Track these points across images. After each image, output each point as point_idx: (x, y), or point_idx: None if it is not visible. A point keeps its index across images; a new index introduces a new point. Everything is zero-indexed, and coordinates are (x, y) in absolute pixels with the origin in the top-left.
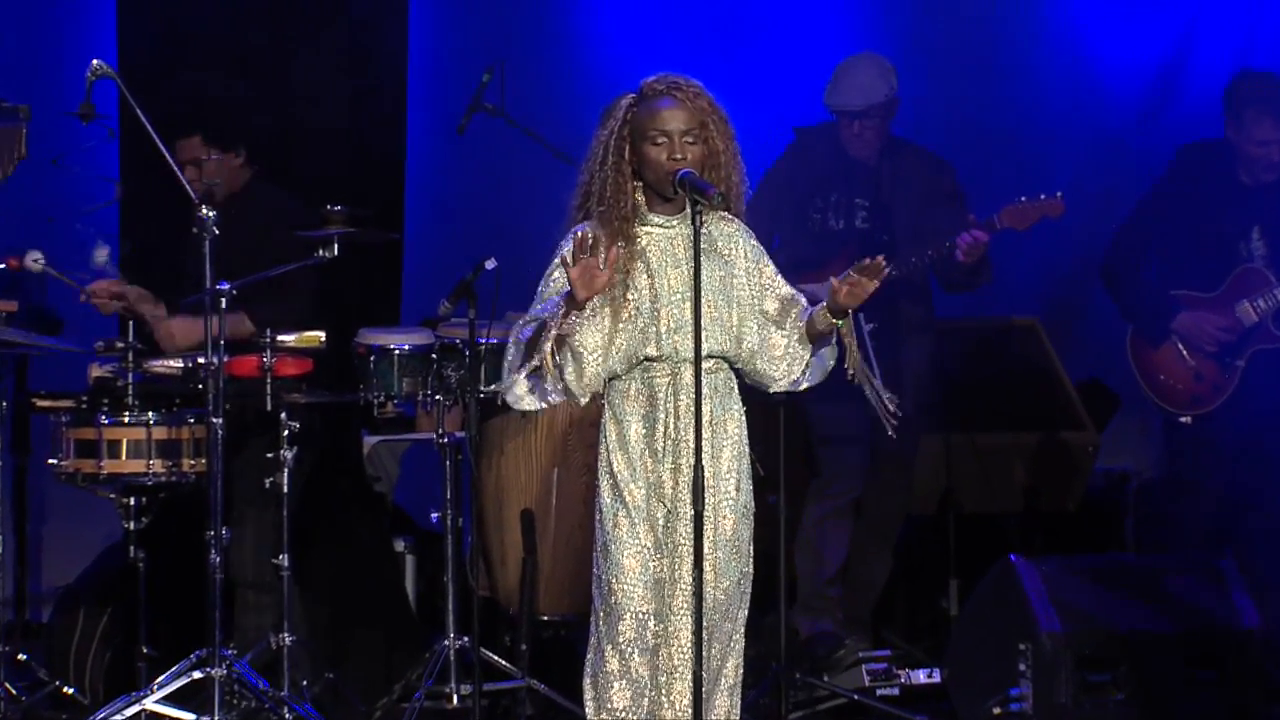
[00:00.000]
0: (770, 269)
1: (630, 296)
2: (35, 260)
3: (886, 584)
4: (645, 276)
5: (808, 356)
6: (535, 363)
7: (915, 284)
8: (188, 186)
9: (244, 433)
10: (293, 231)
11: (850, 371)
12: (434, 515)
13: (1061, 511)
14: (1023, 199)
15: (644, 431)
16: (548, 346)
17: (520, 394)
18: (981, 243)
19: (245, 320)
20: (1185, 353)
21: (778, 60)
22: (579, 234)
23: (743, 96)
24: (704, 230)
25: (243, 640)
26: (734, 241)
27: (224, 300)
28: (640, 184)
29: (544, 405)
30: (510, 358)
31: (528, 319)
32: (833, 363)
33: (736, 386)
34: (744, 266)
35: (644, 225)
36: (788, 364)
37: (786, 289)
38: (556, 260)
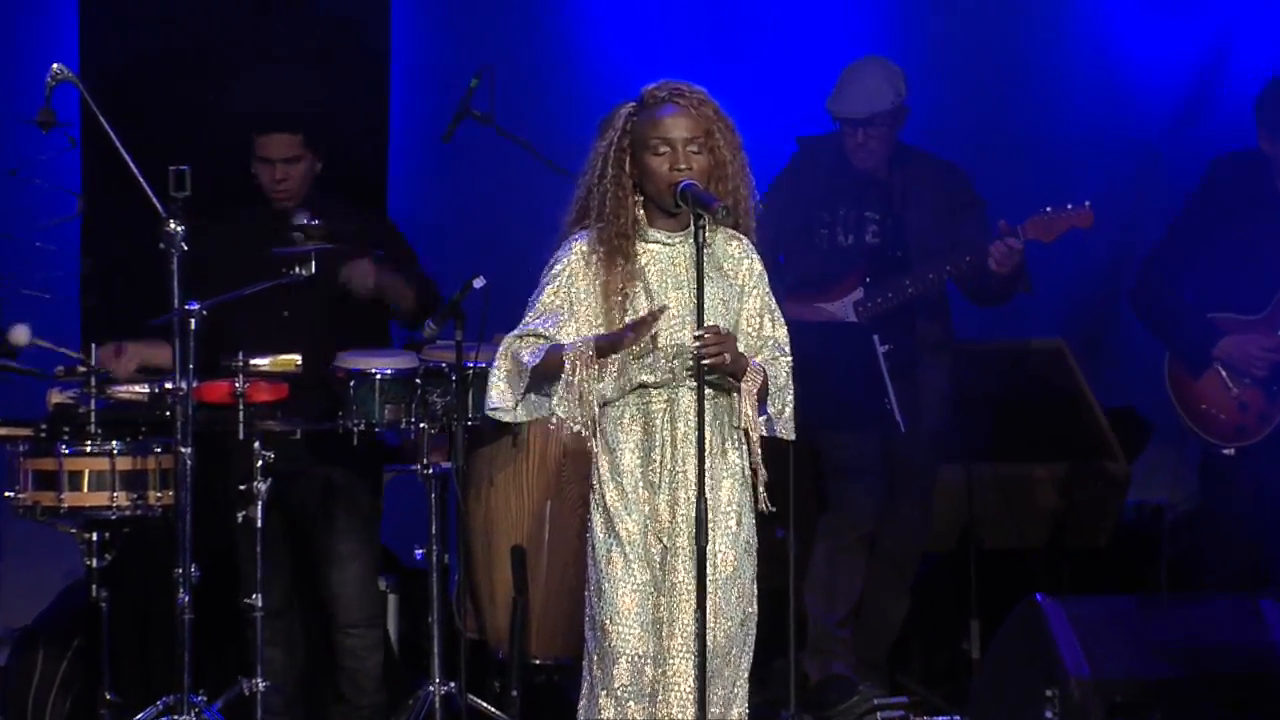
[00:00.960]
0: (754, 303)
1: (627, 319)
2: (20, 335)
3: (903, 625)
4: (644, 298)
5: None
6: (565, 392)
7: (932, 302)
8: (154, 198)
9: (338, 456)
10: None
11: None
12: (418, 552)
13: (1091, 547)
14: (1048, 209)
15: (639, 462)
16: (582, 372)
17: (508, 406)
18: (1016, 249)
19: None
20: (1229, 380)
21: (783, 64)
22: (577, 244)
23: (746, 103)
24: (708, 248)
25: (353, 688)
26: (740, 264)
27: (194, 321)
28: (641, 198)
29: (534, 418)
30: (506, 376)
31: (527, 336)
32: (782, 413)
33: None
34: (747, 290)
35: (644, 242)
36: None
37: (765, 331)
38: (556, 270)
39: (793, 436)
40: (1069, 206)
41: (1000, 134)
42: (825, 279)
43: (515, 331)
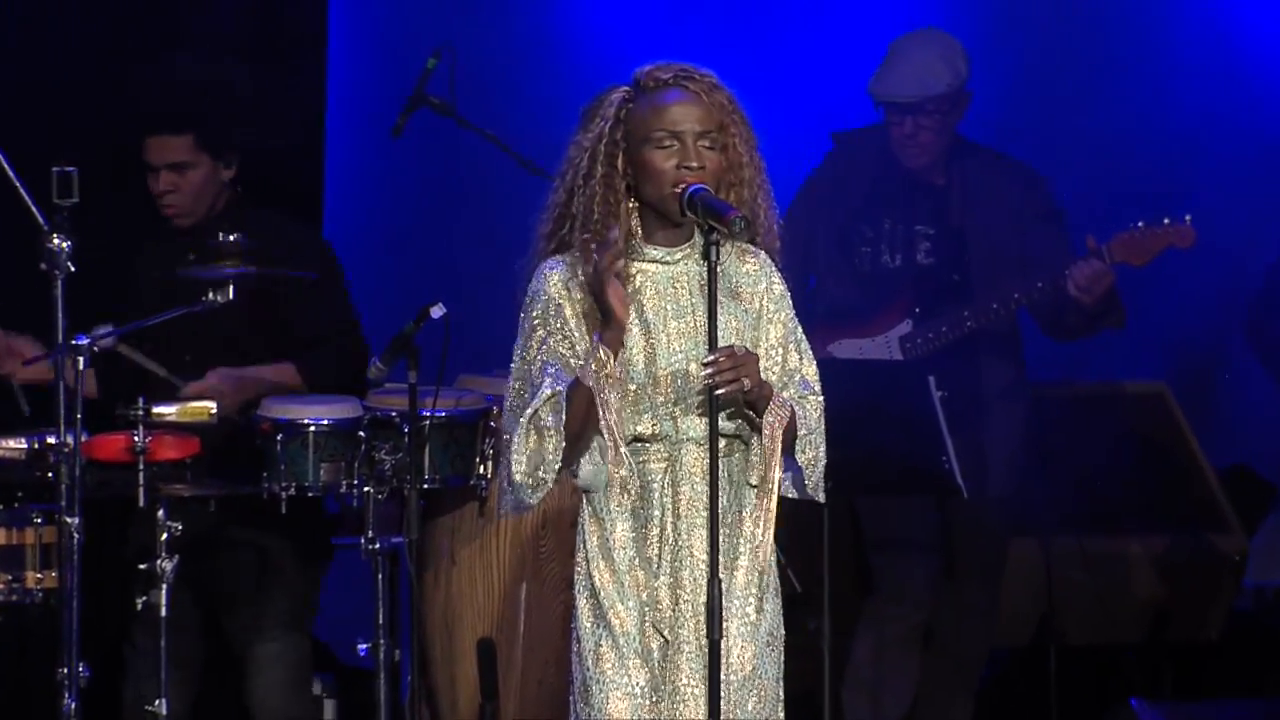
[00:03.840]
0: (776, 332)
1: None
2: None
3: None
4: (639, 329)
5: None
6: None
7: (1000, 337)
8: (33, 206)
9: (268, 520)
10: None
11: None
12: (361, 646)
13: (1199, 641)
14: (1140, 225)
15: (633, 535)
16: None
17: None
18: (1103, 272)
19: None
20: None
21: (814, 44)
22: (551, 273)
23: (765, 91)
24: (719, 267)
25: None
26: (757, 284)
27: (81, 358)
28: (635, 204)
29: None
30: (530, 457)
31: (544, 405)
32: (815, 464)
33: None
34: (766, 316)
35: (639, 260)
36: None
37: (790, 365)
38: (535, 311)
39: (822, 498)
40: (1165, 222)
41: (1082, 131)
42: (865, 308)
43: (513, 400)
